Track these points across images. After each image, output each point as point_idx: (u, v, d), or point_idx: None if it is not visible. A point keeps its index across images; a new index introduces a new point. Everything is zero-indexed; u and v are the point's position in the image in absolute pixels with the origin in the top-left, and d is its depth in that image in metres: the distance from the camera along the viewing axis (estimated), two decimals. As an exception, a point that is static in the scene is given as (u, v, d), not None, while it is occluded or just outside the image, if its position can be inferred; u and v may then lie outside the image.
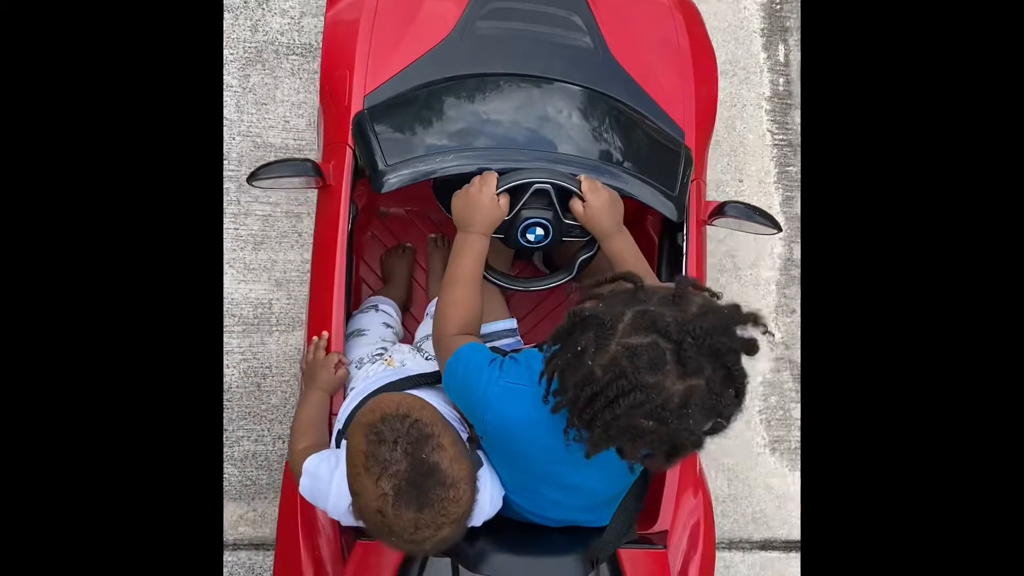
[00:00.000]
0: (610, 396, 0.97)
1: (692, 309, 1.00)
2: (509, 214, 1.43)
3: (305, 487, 1.26)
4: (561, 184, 1.43)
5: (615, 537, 1.30)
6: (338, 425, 1.41)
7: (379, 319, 1.67)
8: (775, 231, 1.69)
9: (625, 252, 1.44)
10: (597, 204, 1.41)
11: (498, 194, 1.39)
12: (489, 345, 1.40)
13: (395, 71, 1.59)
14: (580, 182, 1.43)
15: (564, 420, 1.07)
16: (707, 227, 1.74)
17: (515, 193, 1.43)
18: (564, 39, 1.67)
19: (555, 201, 1.45)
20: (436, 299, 1.74)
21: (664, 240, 1.77)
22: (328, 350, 1.49)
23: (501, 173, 1.44)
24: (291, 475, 1.43)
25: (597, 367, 0.99)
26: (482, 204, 1.38)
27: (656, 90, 1.69)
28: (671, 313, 0.98)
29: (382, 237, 1.93)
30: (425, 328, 1.66)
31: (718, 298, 1.05)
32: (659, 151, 1.63)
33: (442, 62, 1.60)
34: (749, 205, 1.70)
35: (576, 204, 1.43)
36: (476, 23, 1.64)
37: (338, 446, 1.37)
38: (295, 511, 1.45)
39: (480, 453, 1.26)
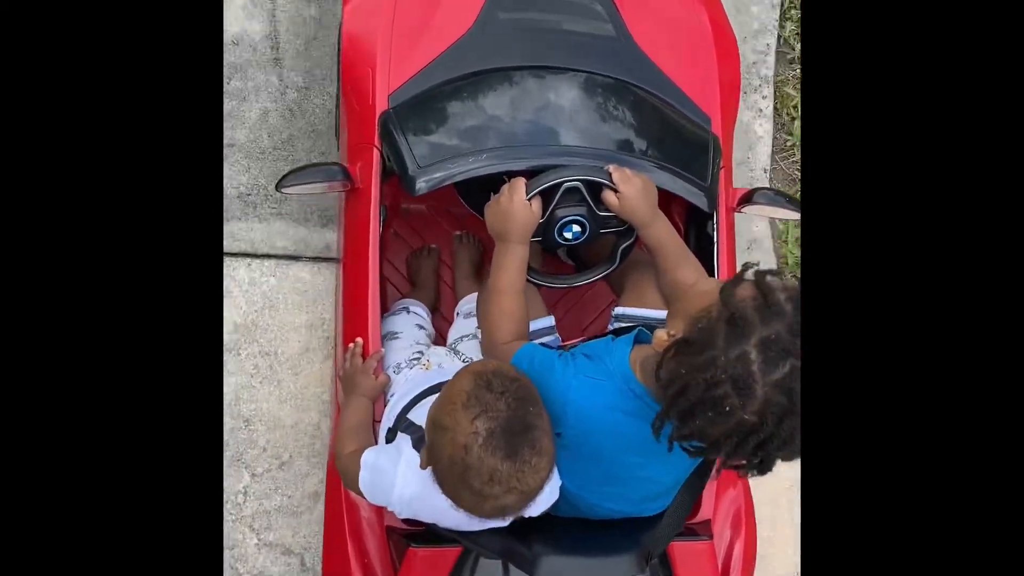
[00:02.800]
0: (771, 433, 0.98)
1: (787, 307, 0.99)
2: (543, 216, 1.42)
3: (365, 481, 1.26)
4: (591, 179, 1.41)
5: (669, 532, 1.31)
6: (387, 425, 1.40)
7: (411, 320, 1.65)
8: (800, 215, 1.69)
9: (664, 239, 1.42)
10: (631, 193, 1.39)
11: (529, 199, 1.38)
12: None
13: (419, 67, 1.57)
14: (610, 173, 1.41)
15: (644, 411, 1.11)
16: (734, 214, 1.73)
17: (546, 194, 1.41)
18: (586, 27, 1.64)
19: (587, 196, 1.43)
20: (465, 298, 1.74)
21: (691, 227, 1.76)
22: (365, 356, 1.47)
23: (528, 175, 1.42)
24: (336, 483, 1.42)
25: (751, 415, 0.99)
26: (515, 212, 1.36)
27: (680, 76, 1.67)
28: (781, 325, 0.98)
29: (405, 235, 1.90)
30: (458, 329, 1.65)
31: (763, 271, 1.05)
32: (688, 140, 1.62)
33: (465, 57, 1.58)
34: (777, 191, 1.69)
35: (610, 196, 1.41)
36: (497, 13, 1.61)
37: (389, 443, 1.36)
38: (341, 518, 1.45)
39: None
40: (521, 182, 1.39)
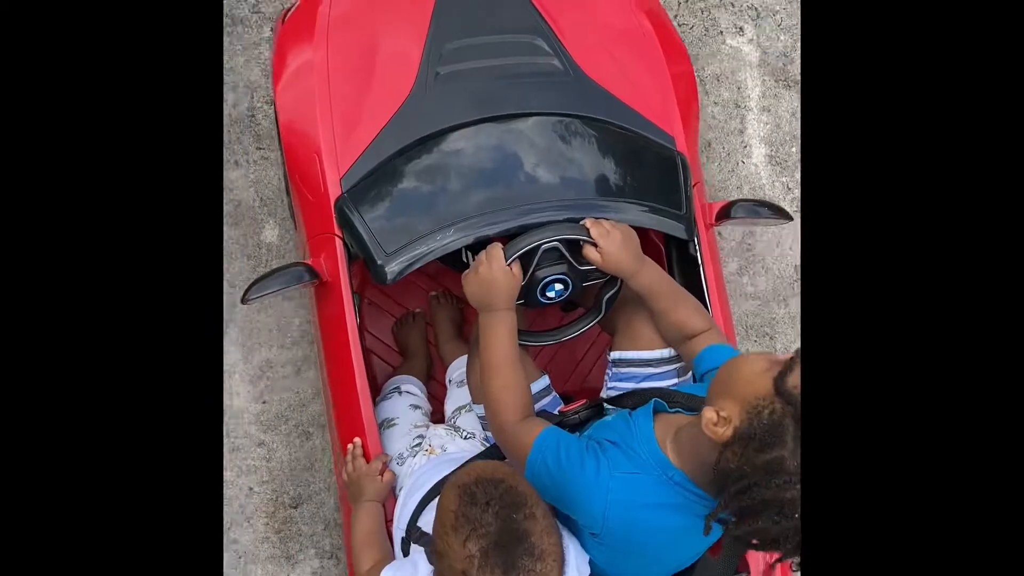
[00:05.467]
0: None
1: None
2: (524, 279, 1.36)
3: None
4: (569, 237, 1.35)
5: None
6: (399, 534, 1.35)
7: (405, 402, 1.59)
8: (786, 221, 1.64)
9: (655, 284, 1.37)
10: (612, 248, 1.34)
11: (509, 264, 1.32)
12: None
13: (366, 143, 1.48)
14: (587, 229, 1.35)
15: (687, 501, 1.08)
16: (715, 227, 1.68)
17: (525, 257, 1.35)
18: (533, 66, 1.57)
19: (566, 254, 1.37)
20: (454, 364, 1.68)
21: (671, 247, 1.71)
22: (367, 457, 1.41)
23: (504, 240, 1.35)
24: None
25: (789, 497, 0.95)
26: (496, 280, 1.30)
27: (635, 99, 1.61)
28: None
29: (380, 303, 1.84)
30: (454, 400, 1.60)
31: None
32: (655, 166, 1.55)
33: (412, 122, 1.50)
34: (756, 201, 1.64)
35: (591, 252, 1.35)
36: (436, 70, 1.53)
37: (405, 554, 1.32)
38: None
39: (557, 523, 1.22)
40: (498, 248, 1.32)
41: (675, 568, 1.24)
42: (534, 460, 1.18)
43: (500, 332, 1.30)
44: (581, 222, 1.37)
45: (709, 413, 1.02)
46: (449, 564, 1.03)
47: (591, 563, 1.20)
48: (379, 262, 1.37)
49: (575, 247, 1.37)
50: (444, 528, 1.04)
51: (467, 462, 1.36)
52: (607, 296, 1.46)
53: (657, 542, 1.15)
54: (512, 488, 1.05)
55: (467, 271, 1.34)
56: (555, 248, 1.36)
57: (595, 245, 1.34)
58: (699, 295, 1.54)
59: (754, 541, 1.02)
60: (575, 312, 1.75)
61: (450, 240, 1.39)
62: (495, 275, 1.30)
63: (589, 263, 1.37)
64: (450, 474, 1.33)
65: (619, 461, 1.14)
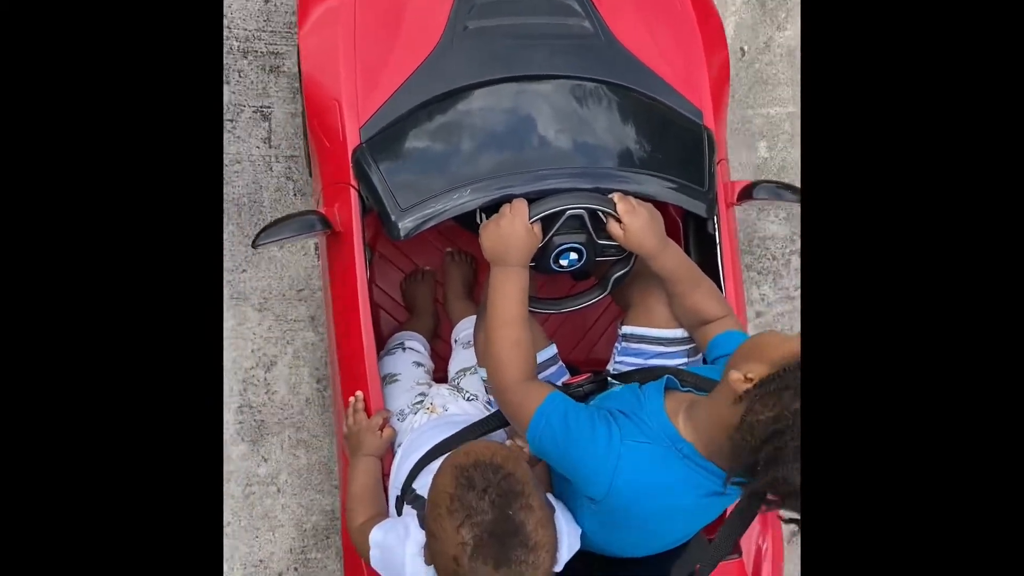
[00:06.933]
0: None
1: None
2: (542, 241, 1.33)
3: (376, 560, 1.22)
4: (596, 207, 1.33)
5: (706, 572, 1.27)
6: (395, 492, 1.35)
7: (408, 359, 1.58)
8: (807, 204, 1.60)
9: (676, 267, 1.35)
10: (637, 226, 1.31)
11: (532, 222, 1.29)
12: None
13: (388, 93, 1.45)
14: (614, 203, 1.33)
15: (694, 473, 1.10)
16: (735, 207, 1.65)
17: (547, 220, 1.32)
18: (562, 27, 1.53)
19: (588, 224, 1.35)
20: (461, 323, 1.66)
21: (689, 223, 1.68)
22: (368, 411, 1.41)
23: (529, 199, 1.33)
24: (352, 551, 1.38)
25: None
26: (517, 236, 1.27)
27: (666, 69, 1.57)
28: None
29: (392, 258, 1.82)
30: (459, 361, 1.58)
31: None
32: (680, 139, 1.52)
33: (437, 76, 1.46)
34: (778, 183, 1.61)
35: (615, 228, 1.33)
36: (465, 23, 1.49)
37: (399, 512, 1.32)
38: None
39: (550, 497, 1.21)
40: (524, 204, 1.30)
41: (666, 544, 1.24)
42: (538, 422, 1.17)
43: (512, 288, 1.28)
44: (609, 195, 1.34)
45: (735, 374, 1.02)
46: (441, 547, 1.03)
47: (582, 536, 1.21)
48: (393, 217, 1.35)
49: (598, 220, 1.35)
50: (438, 510, 1.04)
51: (467, 429, 1.35)
52: (616, 275, 1.44)
53: (657, 513, 1.15)
54: (510, 475, 1.04)
55: (487, 221, 1.32)
56: (578, 216, 1.34)
57: (619, 221, 1.32)
58: (714, 275, 1.52)
59: (771, 497, 1.03)
60: (584, 283, 1.73)
61: (466, 200, 1.37)
62: (516, 229, 1.28)
63: (609, 237, 1.35)
64: (450, 439, 1.33)
65: (629, 430, 1.13)
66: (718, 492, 1.13)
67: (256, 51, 1.98)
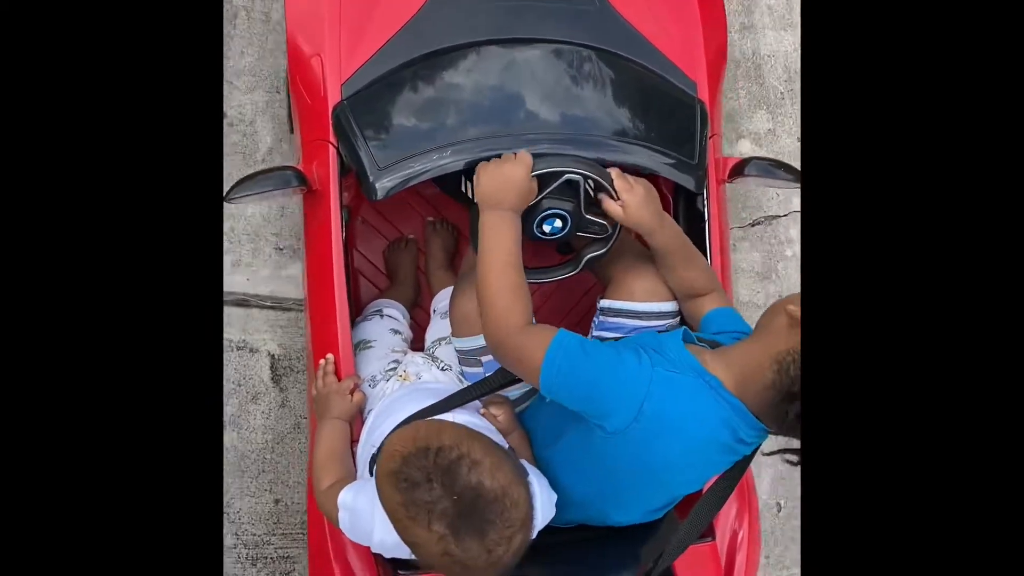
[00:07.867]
0: None
1: None
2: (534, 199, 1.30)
3: (345, 522, 1.19)
4: (595, 178, 1.29)
5: (678, 550, 1.25)
6: (370, 451, 1.31)
7: (385, 326, 1.55)
8: (799, 184, 1.57)
9: (671, 243, 1.33)
10: (635, 203, 1.28)
11: (533, 176, 1.26)
12: None
13: (373, 50, 1.41)
14: (612, 178, 1.29)
15: (723, 407, 1.11)
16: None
17: (543, 180, 1.29)
18: None
19: (581, 195, 1.31)
20: (440, 293, 1.63)
21: (679, 198, 1.64)
22: (338, 375, 1.37)
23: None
24: (318, 518, 1.35)
25: None
26: (517, 180, 1.24)
27: (661, 39, 1.53)
28: None
29: (375, 223, 1.78)
30: (435, 330, 1.55)
31: None
32: (672, 111, 1.48)
33: (424, 34, 1.42)
34: (771, 160, 1.57)
35: (612, 206, 1.30)
36: (456, -19, 1.45)
37: (371, 473, 1.29)
38: (325, 542, 1.38)
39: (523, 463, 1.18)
40: (529, 157, 1.26)
41: (669, 494, 1.24)
42: (554, 358, 1.13)
43: (508, 232, 1.23)
44: (608, 170, 1.31)
45: (794, 308, 1.06)
46: (427, 552, 1.00)
47: (581, 492, 1.21)
48: (371, 177, 1.32)
49: (589, 194, 1.32)
50: (401, 522, 1.01)
51: (449, 399, 1.30)
52: (589, 255, 1.40)
53: (681, 446, 1.14)
54: (440, 449, 1.00)
55: (486, 163, 1.27)
56: (573, 184, 1.30)
57: (614, 199, 1.29)
58: (701, 249, 1.49)
59: (789, 458, 1.07)
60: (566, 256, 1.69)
61: (447, 161, 1.33)
62: (519, 174, 1.24)
63: (596, 213, 1.32)
64: (434, 406, 1.29)
65: (658, 359, 1.13)
66: (739, 440, 1.13)
67: (266, 556, 1.86)
